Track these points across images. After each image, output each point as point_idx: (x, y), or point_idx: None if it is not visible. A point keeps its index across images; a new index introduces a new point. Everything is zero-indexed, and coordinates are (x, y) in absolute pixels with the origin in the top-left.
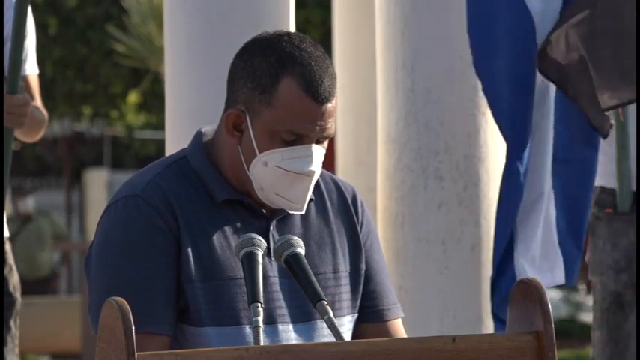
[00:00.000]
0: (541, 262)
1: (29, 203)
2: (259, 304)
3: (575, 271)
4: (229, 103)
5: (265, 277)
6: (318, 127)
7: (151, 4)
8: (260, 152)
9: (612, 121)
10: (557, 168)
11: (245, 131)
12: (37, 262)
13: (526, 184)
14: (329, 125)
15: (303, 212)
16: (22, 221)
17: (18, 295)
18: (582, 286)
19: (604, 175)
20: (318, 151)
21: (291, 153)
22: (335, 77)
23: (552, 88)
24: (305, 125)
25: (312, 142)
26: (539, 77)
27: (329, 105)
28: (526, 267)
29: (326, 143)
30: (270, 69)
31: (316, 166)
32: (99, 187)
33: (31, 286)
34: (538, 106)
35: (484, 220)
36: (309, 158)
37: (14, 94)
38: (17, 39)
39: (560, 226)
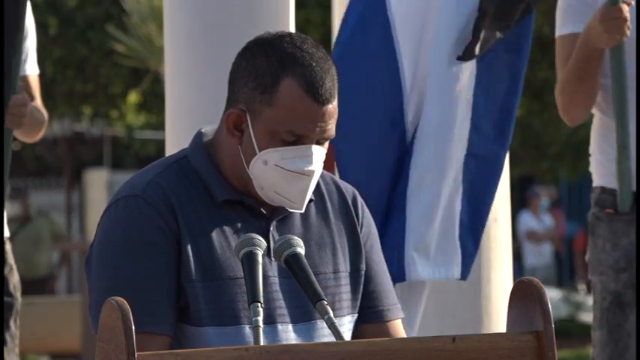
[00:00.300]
0: (436, 255)
1: (16, 207)
2: (259, 304)
3: (470, 267)
4: (230, 102)
5: (265, 277)
6: (318, 128)
7: (150, 4)
8: (260, 151)
9: (612, 120)
10: (471, 162)
11: (245, 131)
12: (34, 263)
13: (425, 177)
14: (329, 126)
15: (303, 211)
16: (20, 222)
17: (18, 295)
18: (582, 286)
19: (604, 175)
20: (319, 152)
21: (292, 152)
22: (336, 78)
23: (468, 86)
24: (305, 126)
25: (312, 143)
26: (448, 76)
27: (329, 106)
28: (416, 258)
29: (326, 144)
30: (271, 69)
31: (316, 166)
32: (99, 187)
33: (27, 287)
34: (438, 106)
35: None
36: (309, 158)
37: (13, 94)
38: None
39: (463, 219)
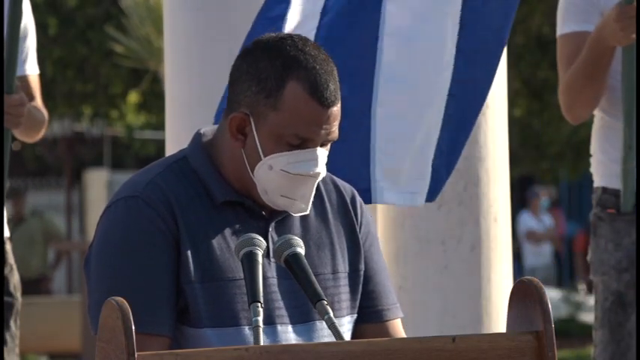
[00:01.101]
0: (407, 181)
1: (10, 208)
2: (259, 304)
3: (438, 191)
4: (232, 105)
5: (264, 277)
6: (323, 131)
7: (147, 4)
8: (265, 156)
9: (614, 120)
10: (455, 89)
11: (249, 135)
12: (27, 264)
13: (398, 99)
14: (334, 128)
15: (308, 212)
16: (14, 222)
17: (18, 294)
18: (582, 286)
19: (605, 176)
20: (323, 154)
21: (297, 157)
22: (338, 80)
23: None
24: (311, 129)
25: (316, 146)
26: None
27: (334, 108)
28: (384, 182)
29: (329, 145)
30: (275, 73)
31: (321, 168)
32: (99, 187)
33: (22, 287)
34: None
35: (484, 220)
36: (314, 161)
37: (10, 93)
38: (11, 39)
39: (441, 147)
